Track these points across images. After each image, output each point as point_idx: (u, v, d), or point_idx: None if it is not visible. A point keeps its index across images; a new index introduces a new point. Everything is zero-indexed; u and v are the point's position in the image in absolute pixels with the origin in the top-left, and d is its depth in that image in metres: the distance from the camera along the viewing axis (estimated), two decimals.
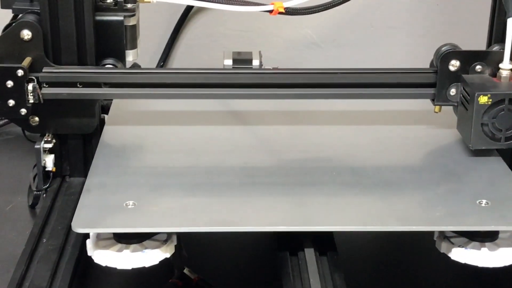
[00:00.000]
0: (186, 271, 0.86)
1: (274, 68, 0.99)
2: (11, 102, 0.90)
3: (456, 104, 0.94)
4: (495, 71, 0.93)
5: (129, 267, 0.78)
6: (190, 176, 0.87)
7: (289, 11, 0.94)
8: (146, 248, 0.79)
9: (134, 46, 0.96)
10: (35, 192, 0.99)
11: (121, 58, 0.95)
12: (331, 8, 0.96)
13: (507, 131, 0.89)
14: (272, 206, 0.82)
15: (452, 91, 0.94)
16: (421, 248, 0.93)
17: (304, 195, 0.84)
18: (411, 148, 0.95)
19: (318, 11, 0.96)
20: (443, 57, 0.93)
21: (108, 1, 0.94)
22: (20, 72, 0.89)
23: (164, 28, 1.32)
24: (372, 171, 0.89)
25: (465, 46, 0.95)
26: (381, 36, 1.32)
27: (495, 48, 0.95)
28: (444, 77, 0.94)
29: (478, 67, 0.93)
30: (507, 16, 0.89)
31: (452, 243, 0.81)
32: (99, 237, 0.80)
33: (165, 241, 0.80)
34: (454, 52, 0.93)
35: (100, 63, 0.94)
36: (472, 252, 0.80)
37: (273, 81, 0.94)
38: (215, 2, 0.94)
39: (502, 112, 0.88)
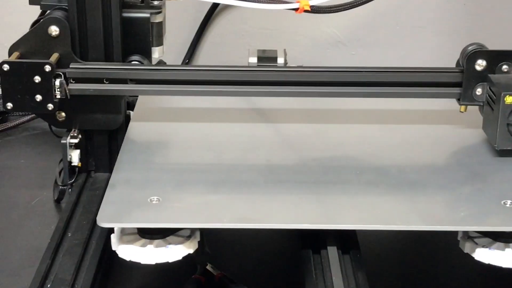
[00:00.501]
0: (208, 267, 0.86)
1: (298, 66, 0.99)
2: (39, 98, 0.91)
3: (482, 104, 0.94)
4: None
5: (153, 262, 0.79)
6: (214, 172, 0.87)
7: (315, 10, 0.94)
8: (169, 243, 0.80)
9: (160, 43, 0.97)
10: (60, 187, 1.00)
11: (147, 55, 0.95)
12: (357, 6, 0.96)
13: None
14: (295, 203, 0.82)
15: (478, 91, 0.93)
16: (445, 248, 0.93)
17: (327, 193, 0.84)
18: (435, 148, 0.94)
19: (344, 10, 0.96)
20: (469, 56, 0.92)
21: None
22: (47, 68, 0.90)
23: (190, 25, 1.32)
24: (396, 170, 0.88)
25: (491, 46, 0.94)
26: (407, 35, 1.32)
27: None
28: (470, 76, 0.93)
29: (505, 67, 0.92)
30: None
31: (476, 244, 0.81)
32: (124, 232, 0.81)
33: (188, 237, 0.80)
34: (481, 52, 0.93)
35: (126, 59, 0.95)
36: (496, 252, 0.80)
37: (297, 79, 0.94)
38: (241, 0, 0.94)
39: None
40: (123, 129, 0.97)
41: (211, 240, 0.89)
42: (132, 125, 0.98)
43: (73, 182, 0.98)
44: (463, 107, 0.95)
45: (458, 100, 0.95)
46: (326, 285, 0.79)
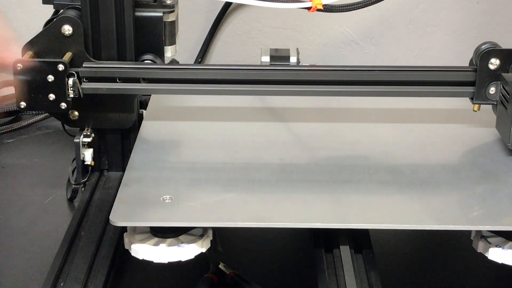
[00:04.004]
0: (221, 266, 0.86)
1: (311, 65, 0.99)
2: (52, 96, 0.91)
3: (495, 103, 0.94)
4: None
5: (165, 261, 0.79)
6: (226, 171, 0.87)
7: (328, 8, 0.94)
8: (182, 242, 0.80)
9: (172, 42, 0.97)
10: (73, 186, 1.00)
11: (160, 54, 0.95)
12: (370, 5, 0.96)
13: None
14: (308, 203, 0.82)
15: (492, 90, 0.93)
16: (458, 247, 0.92)
17: (340, 192, 0.84)
18: (449, 147, 0.94)
19: (357, 9, 0.96)
20: (482, 55, 0.92)
21: None
22: (60, 67, 0.90)
23: (202, 24, 1.32)
24: (409, 170, 0.88)
25: (505, 45, 0.94)
26: (420, 34, 1.31)
27: None
28: (483, 75, 0.93)
29: None
30: None
31: (489, 243, 0.80)
32: (136, 230, 0.81)
33: (201, 236, 0.81)
34: (494, 51, 0.92)
35: (139, 58, 0.95)
36: (510, 252, 0.79)
37: (310, 78, 0.94)
38: None
39: None
40: (136, 128, 0.98)
41: (224, 239, 0.89)
42: (145, 124, 0.99)
43: (86, 181, 0.98)
44: (476, 106, 0.95)
45: (471, 99, 0.94)
46: (338, 284, 0.79)
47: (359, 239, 0.84)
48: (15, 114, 1.25)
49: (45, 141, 1.19)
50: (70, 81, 0.91)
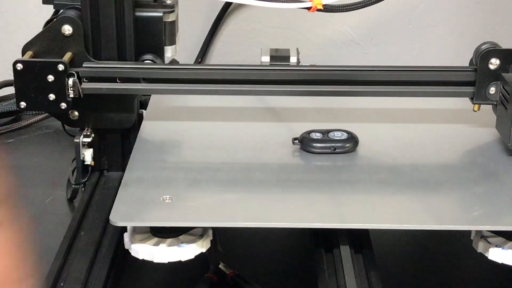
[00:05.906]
0: (221, 266, 0.86)
1: (311, 65, 0.99)
2: (52, 96, 0.91)
3: (495, 103, 0.94)
4: None
5: (165, 261, 0.79)
6: (226, 171, 0.87)
7: (328, 8, 0.94)
8: (182, 242, 0.80)
9: (172, 42, 0.97)
10: (73, 186, 1.00)
11: (160, 54, 0.96)
12: (370, 5, 0.96)
13: None
14: (308, 202, 0.82)
15: (492, 90, 0.93)
16: (458, 247, 0.92)
17: (340, 192, 0.84)
18: (449, 147, 0.94)
19: (357, 9, 0.96)
20: (482, 55, 0.92)
21: None
22: (60, 67, 0.90)
23: (202, 24, 1.32)
24: (408, 170, 0.88)
25: (505, 45, 0.94)
26: (420, 34, 1.31)
27: None
28: (483, 75, 0.93)
29: None
30: None
31: (489, 243, 0.80)
32: (136, 230, 0.81)
33: (201, 236, 0.81)
34: (494, 51, 0.92)
35: (139, 58, 0.95)
36: (510, 252, 0.79)
37: (310, 78, 0.94)
38: None
39: None
40: (136, 128, 0.98)
41: (224, 239, 0.89)
42: (145, 124, 0.99)
43: (86, 181, 0.98)
44: (476, 106, 0.95)
45: (471, 99, 0.94)
46: (338, 284, 0.79)
47: (359, 239, 0.84)
48: (15, 114, 1.25)
49: (45, 141, 1.19)
50: (70, 81, 0.91)
